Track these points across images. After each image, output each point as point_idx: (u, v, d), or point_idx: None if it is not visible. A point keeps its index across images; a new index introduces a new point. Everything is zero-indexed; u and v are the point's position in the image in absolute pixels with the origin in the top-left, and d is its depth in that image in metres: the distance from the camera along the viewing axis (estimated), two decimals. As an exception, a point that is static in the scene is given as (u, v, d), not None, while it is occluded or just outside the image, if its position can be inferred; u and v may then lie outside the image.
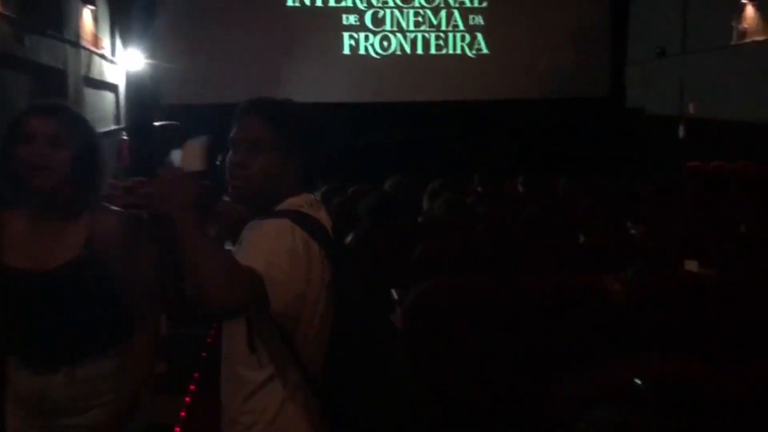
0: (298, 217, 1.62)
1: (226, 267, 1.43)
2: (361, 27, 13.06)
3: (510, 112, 12.51)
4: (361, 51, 13.07)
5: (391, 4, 13.12)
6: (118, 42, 11.97)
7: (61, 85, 8.69)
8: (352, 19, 13.02)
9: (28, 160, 1.82)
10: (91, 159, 1.92)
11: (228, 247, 1.84)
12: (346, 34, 13.01)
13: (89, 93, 10.04)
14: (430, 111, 12.50)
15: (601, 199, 6.59)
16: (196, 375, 4.00)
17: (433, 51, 13.29)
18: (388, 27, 13.15)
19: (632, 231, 4.81)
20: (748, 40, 10.06)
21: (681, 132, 11.52)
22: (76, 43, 9.41)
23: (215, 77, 12.08)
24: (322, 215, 1.70)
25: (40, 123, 1.85)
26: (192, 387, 3.89)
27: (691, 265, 3.47)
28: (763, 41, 9.76)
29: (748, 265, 3.41)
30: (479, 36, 13.30)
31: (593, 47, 13.29)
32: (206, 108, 11.26)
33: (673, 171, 9.51)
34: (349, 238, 3.86)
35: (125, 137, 11.73)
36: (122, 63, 12.02)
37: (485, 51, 13.30)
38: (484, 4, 13.29)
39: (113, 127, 11.34)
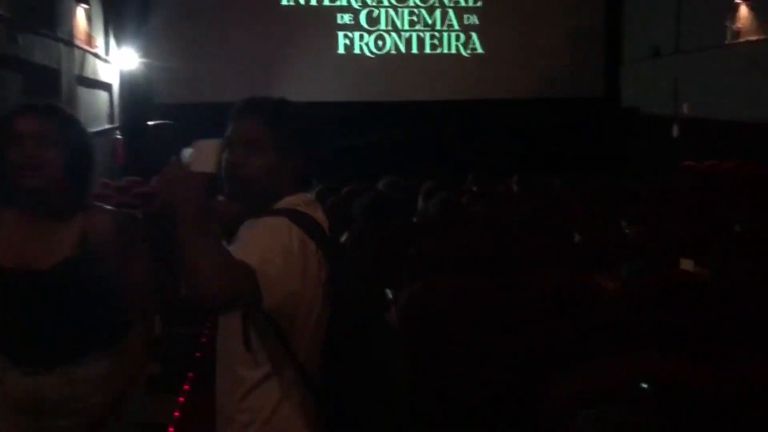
0: (295, 216, 1.62)
1: (220, 260, 1.43)
2: (356, 26, 13.05)
3: (504, 112, 12.52)
4: (356, 50, 13.07)
5: (386, 3, 13.12)
6: (112, 41, 11.95)
7: (54, 85, 8.66)
8: (346, 18, 13.01)
9: (17, 160, 1.81)
10: (83, 158, 1.91)
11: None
12: (341, 34, 13.01)
13: (83, 92, 10.01)
14: (425, 110, 12.51)
15: (596, 198, 6.61)
16: (190, 375, 3.99)
17: (428, 50, 13.29)
18: (383, 26, 13.14)
19: (627, 230, 4.81)
20: (741, 39, 10.09)
21: (675, 131, 11.55)
22: (69, 42, 9.38)
23: (209, 76, 12.07)
24: (319, 215, 1.70)
25: (28, 123, 1.84)
26: (186, 387, 3.88)
27: (687, 265, 3.48)
28: (756, 41, 9.79)
29: (742, 264, 3.42)
30: (474, 35, 13.31)
31: (588, 47, 13.32)
32: (200, 107, 11.26)
33: (667, 170, 9.53)
34: (343, 238, 3.86)
35: (119, 136, 11.70)
36: (116, 62, 11.99)
37: (480, 51, 13.31)
38: (479, 4, 13.31)
39: (107, 126, 11.31)
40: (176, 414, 3.61)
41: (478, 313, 2.81)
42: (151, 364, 2.18)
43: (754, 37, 9.86)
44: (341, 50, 13.03)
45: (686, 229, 4.58)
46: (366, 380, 1.61)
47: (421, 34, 13.27)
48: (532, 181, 7.28)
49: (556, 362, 2.23)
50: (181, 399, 3.76)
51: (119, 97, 12.13)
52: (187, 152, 1.60)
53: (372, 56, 13.11)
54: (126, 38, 12.02)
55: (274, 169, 1.67)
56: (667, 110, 11.76)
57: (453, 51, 13.32)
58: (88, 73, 10.38)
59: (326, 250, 1.64)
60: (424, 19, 13.27)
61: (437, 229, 4.39)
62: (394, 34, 13.19)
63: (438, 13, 13.29)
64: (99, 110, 11.09)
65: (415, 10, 13.22)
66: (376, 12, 13.11)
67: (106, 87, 11.53)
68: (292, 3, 12.90)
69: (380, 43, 13.13)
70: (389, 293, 3.27)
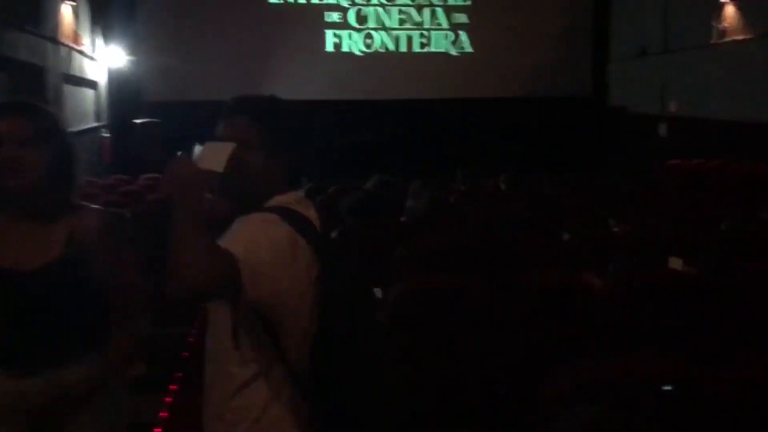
0: (286, 213, 1.62)
1: (203, 247, 1.45)
2: (345, 25, 13.04)
3: (493, 111, 12.55)
4: (345, 49, 13.05)
5: (375, 1, 13.11)
6: (100, 39, 11.88)
7: (39, 82, 8.61)
8: (335, 17, 13.00)
9: None
10: (65, 158, 1.89)
11: None
12: (329, 32, 12.99)
13: (69, 90, 9.95)
14: (414, 109, 12.52)
15: (583, 196, 6.63)
16: (177, 375, 3.97)
17: (416, 49, 13.30)
18: (371, 25, 13.13)
19: (614, 229, 4.83)
20: (727, 39, 10.16)
21: (662, 130, 11.61)
22: (55, 40, 9.31)
23: (197, 74, 12.03)
24: (311, 213, 1.69)
25: (8, 124, 1.81)
26: (173, 387, 3.86)
27: (676, 263, 3.49)
28: (742, 40, 9.86)
29: (729, 262, 3.43)
30: (463, 34, 13.33)
31: (576, 46, 13.37)
32: (188, 105, 11.24)
33: (655, 169, 9.58)
34: (331, 237, 3.85)
35: (106, 135, 11.64)
36: (103, 60, 11.93)
37: (468, 49, 13.33)
38: (468, 2, 13.32)
39: (94, 124, 11.25)
40: (163, 414, 3.59)
41: (466, 312, 2.81)
42: (138, 364, 2.16)
43: (740, 37, 9.92)
44: (330, 48, 13.01)
45: (673, 228, 4.60)
46: (356, 380, 1.60)
47: (409, 32, 13.27)
48: (520, 179, 7.30)
49: (544, 361, 2.23)
50: (168, 399, 3.74)
51: (107, 96, 12.07)
52: (197, 149, 1.60)
53: (360, 55, 13.10)
54: (113, 36, 11.96)
55: (264, 167, 1.66)
56: (655, 109, 11.83)
57: (442, 50, 13.33)
58: (75, 70, 10.32)
59: (317, 248, 1.63)
60: (413, 17, 13.27)
61: (425, 228, 4.39)
62: (382, 33, 13.18)
63: (427, 11, 13.29)
64: (86, 108, 11.03)
65: (404, 9, 13.22)
66: (364, 10, 13.10)
67: (93, 85, 11.47)
68: (280, 1, 12.88)
69: (369, 41, 13.12)
70: (377, 292, 3.27)
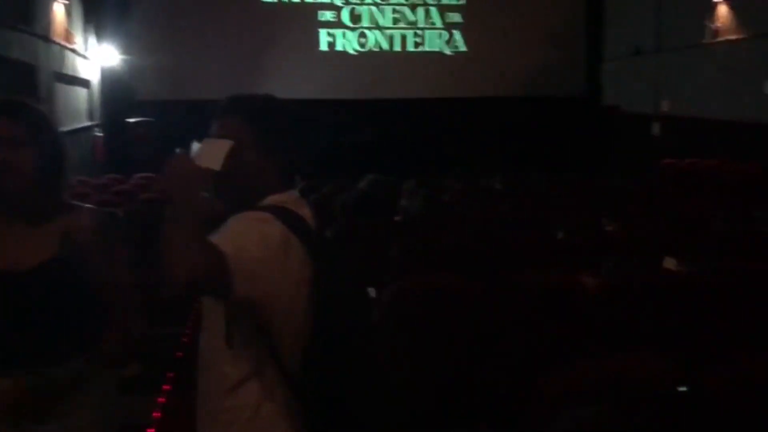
0: (280, 212, 1.61)
1: (193, 241, 1.44)
2: (338, 24, 13.02)
3: (487, 110, 12.57)
4: (339, 48, 13.04)
5: (369, 0, 13.09)
6: (93, 37, 11.84)
7: (31, 81, 8.58)
8: (329, 16, 12.98)
9: None
10: (55, 158, 1.88)
11: None
12: (323, 31, 12.97)
13: (61, 88, 9.91)
14: (408, 108, 12.52)
15: (577, 196, 6.64)
16: (170, 375, 3.95)
17: (410, 48, 13.29)
18: (365, 24, 13.12)
19: (608, 228, 4.84)
20: (720, 38, 10.18)
21: (656, 129, 11.64)
22: (47, 38, 9.27)
23: (190, 73, 12.00)
24: (306, 212, 1.69)
25: None
26: (167, 387, 3.85)
27: (670, 263, 3.49)
28: (735, 40, 9.88)
29: (723, 262, 3.44)
30: (457, 33, 13.33)
31: (570, 45, 13.39)
32: (181, 104, 11.22)
33: (648, 168, 9.61)
34: (325, 236, 3.84)
35: (99, 134, 11.60)
36: (96, 58, 11.89)
37: (463, 49, 13.33)
38: (462, 2, 13.32)
39: (86, 123, 11.21)
40: (156, 415, 3.57)
41: (460, 312, 2.81)
42: (131, 364, 2.15)
43: (733, 36, 9.95)
44: (324, 47, 12.99)
45: (667, 227, 4.61)
46: (350, 380, 1.60)
47: (403, 31, 13.26)
48: (514, 178, 7.31)
49: (538, 360, 2.23)
50: (161, 399, 3.72)
51: (100, 95, 12.03)
52: (195, 146, 1.59)
53: (354, 54, 13.08)
54: (107, 35, 11.92)
55: (258, 167, 1.66)
56: (648, 108, 11.85)
57: (436, 49, 13.33)
58: (67, 69, 10.28)
59: (311, 248, 1.62)
60: (407, 16, 13.26)
61: (420, 228, 4.38)
62: (376, 32, 13.17)
63: (421, 10, 13.29)
64: (78, 107, 10.99)
65: (398, 8, 13.21)
66: (358, 9, 13.08)
67: (86, 84, 11.43)
68: (274, 0, 12.85)
69: (363, 40, 13.11)
70: (372, 292, 3.26)
